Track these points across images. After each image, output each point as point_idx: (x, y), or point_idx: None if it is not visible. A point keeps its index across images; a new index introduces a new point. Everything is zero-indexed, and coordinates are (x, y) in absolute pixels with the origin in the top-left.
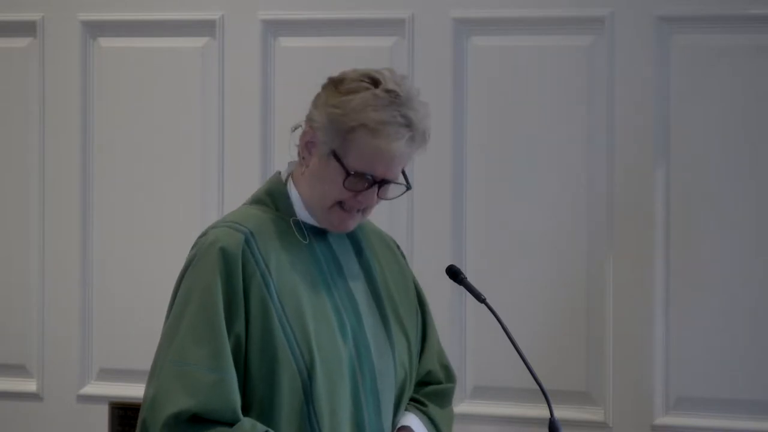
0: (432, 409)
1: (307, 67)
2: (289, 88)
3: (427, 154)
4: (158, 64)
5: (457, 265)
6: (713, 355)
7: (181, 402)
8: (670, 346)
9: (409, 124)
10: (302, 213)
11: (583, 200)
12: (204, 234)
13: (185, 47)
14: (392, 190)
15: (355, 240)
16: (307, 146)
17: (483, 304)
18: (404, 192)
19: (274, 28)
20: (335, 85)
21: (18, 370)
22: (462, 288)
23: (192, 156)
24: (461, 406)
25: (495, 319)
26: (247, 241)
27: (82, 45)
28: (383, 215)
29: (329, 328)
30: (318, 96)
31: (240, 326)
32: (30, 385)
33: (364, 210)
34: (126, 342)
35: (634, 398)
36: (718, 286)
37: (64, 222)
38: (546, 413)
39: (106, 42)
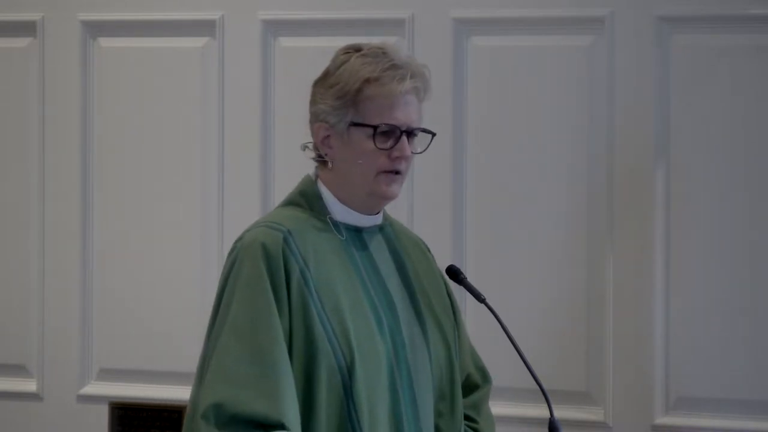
0: (483, 425)
1: (307, 67)
2: (289, 88)
3: (427, 154)
4: (158, 64)
5: (457, 265)
6: (713, 355)
7: (219, 393)
8: (670, 346)
9: (403, 65)
10: (336, 212)
11: (583, 200)
12: (241, 237)
13: (185, 47)
14: (419, 142)
15: (387, 238)
16: (324, 142)
17: (483, 304)
18: (431, 140)
19: (274, 28)
20: (323, 76)
21: (18, 370)
22: (462, 288)
23: (192, 156)
24: None
25: (495, 319)
26: (285, 239)
27: (82, 45)
28: None
29: (367, 324)
30: (313, 95)
31: (285, 322)
32: (30, 385)
33: (403, 170)
34: (126, 342)
35: (634, 398)
36: (718, 285)
37: (64, 222)
38: (546, 413)
39: (106, 42)
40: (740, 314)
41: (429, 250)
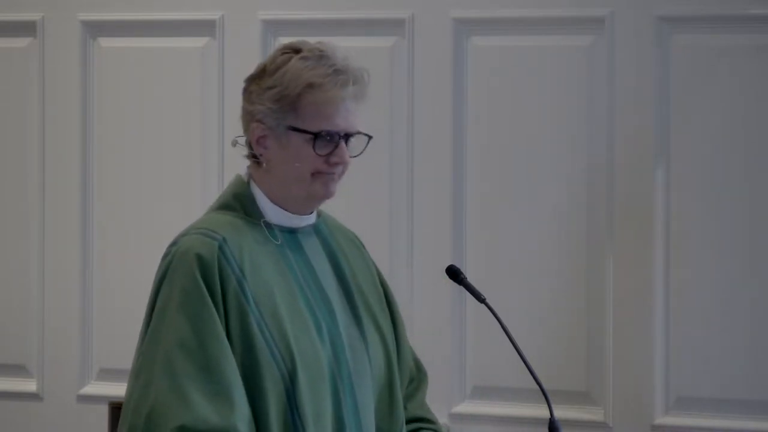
0: (437, 424)
1: None
2: None
3: (427, 154)
4: (158, 64)
5: (457, 265)
6: (713, 355)
7: (180, 417)
8: (670, 346)
9: (343, 70)
10: (270, 214)
11: (583, 200)
12: (175, 242)
13: (185, 47)
14: (357, 145)
15: (322, 237)
16: (259, 142)
17: (483, 304)
18: (368, 142)
19: (274, 28)
20: (260, 74)
21: (18, 370)
22: (462, 288)
23: (192, 156)
24: (461, 406)
25: (495, 319)
26: (221, 248)
27: (82, 45)
28: (383, 215)
29: (307, 329)
30: (248, 93)
31: (223, 332)
32: (30, 385)
33: (341, 172)
34: (126, 342)
35: (634, 398)
36: (718, 286)
37: (64, 222)
38: (546, 413)
39: (106, 42)
40: (740, 314)
41: (363, 245)
